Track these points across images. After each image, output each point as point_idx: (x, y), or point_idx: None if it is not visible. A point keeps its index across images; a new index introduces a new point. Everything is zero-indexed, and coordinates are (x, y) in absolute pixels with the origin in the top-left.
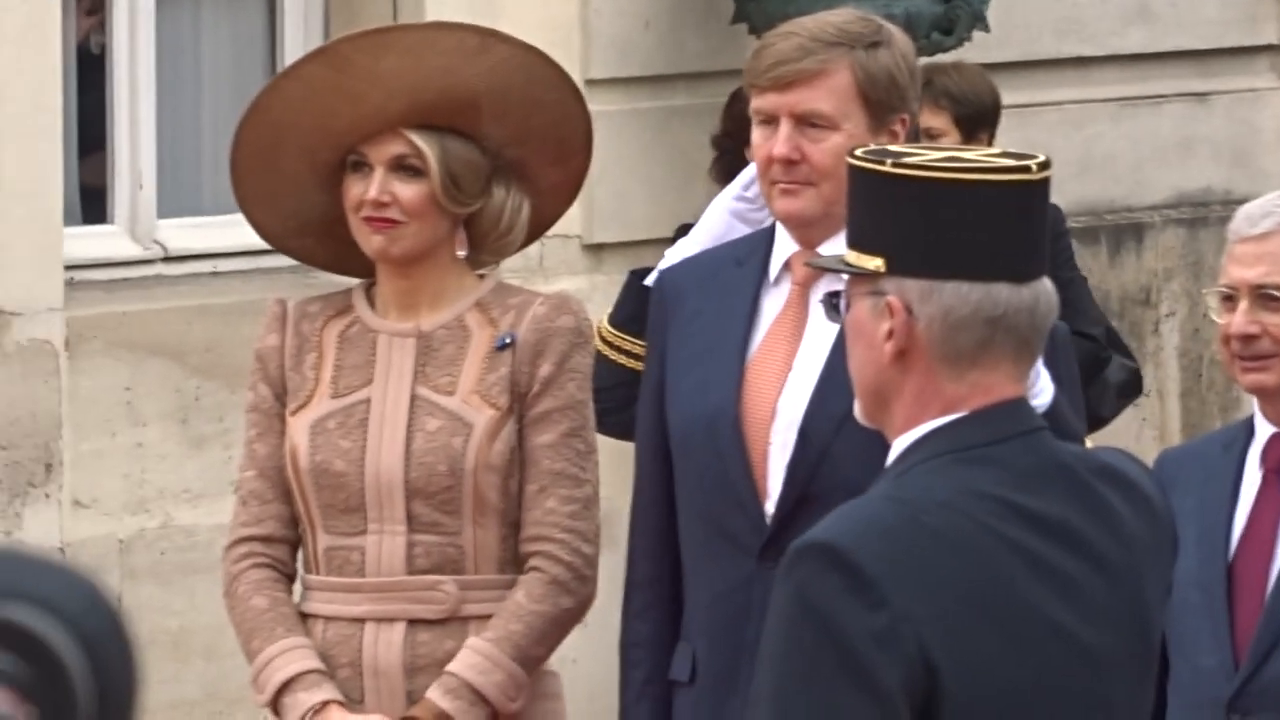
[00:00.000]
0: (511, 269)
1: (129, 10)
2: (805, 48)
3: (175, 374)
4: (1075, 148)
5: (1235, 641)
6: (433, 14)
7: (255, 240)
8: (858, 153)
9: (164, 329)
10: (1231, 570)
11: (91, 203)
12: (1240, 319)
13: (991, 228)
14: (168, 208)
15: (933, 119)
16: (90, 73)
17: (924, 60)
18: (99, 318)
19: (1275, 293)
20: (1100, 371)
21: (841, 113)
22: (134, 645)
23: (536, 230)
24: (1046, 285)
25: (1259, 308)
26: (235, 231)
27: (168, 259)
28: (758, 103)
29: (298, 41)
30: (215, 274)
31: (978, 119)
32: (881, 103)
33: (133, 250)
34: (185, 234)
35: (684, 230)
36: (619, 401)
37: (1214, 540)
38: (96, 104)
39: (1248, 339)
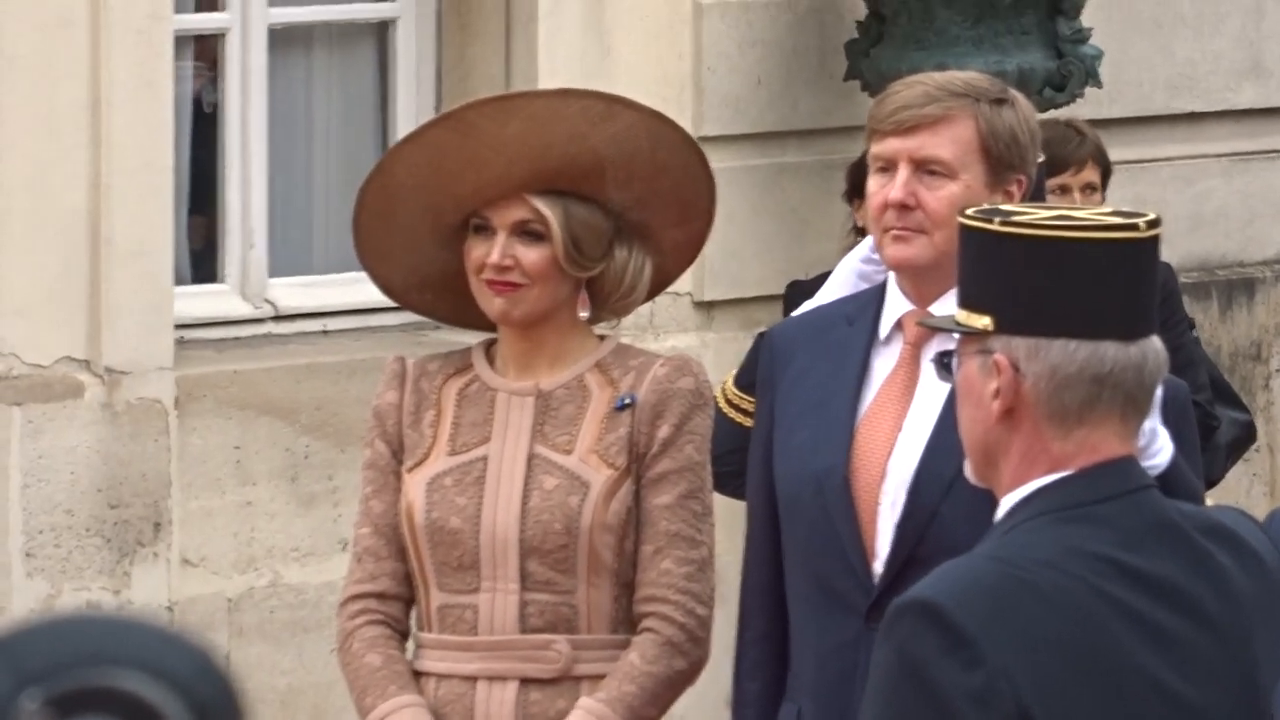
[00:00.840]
0: (621, 326)
1: (241, 69)
2: (931, 95)
3: (285, 433)
4: (1187, 203)
5: None
6: (545, 74)
7: (365, 299)
8: (967, 212)
9: (273, 388)
10: None
11: (202, 261)
12: None
13: (1099, 286)
14: (278, 267)
15: (1093, 174)
16: (202, 131)
17: (1050, 114)
18: (209, 376)
19: None
20: (1209, 437)
21: (961, 162)
22: (246, 712)
23: (657, 288)
24: (1155, 343)
25: None
26: (345, 290)
27: (278, 318)
28: (877, 149)
29: (409, 101)
30: (325, 333)
31: (1109, 174)
32: (1001, 159)
33: (243, 309)
34: (295, 293)
35: (795, 287)
36: (743, 464)
37: None
38: (208, 162)
39: None
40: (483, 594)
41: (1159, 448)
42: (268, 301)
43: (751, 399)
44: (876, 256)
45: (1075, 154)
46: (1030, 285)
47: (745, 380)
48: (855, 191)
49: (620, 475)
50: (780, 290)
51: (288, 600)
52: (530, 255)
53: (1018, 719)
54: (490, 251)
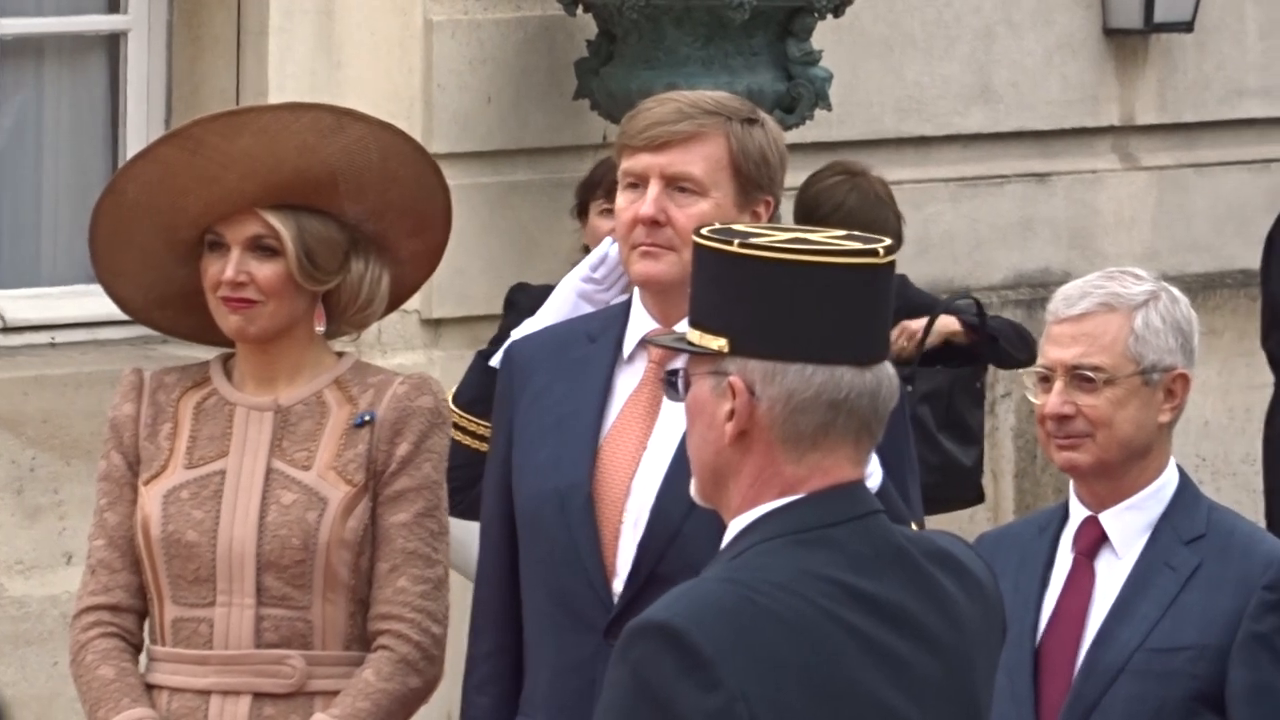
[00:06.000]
0: (345, 342)
1: None
2: (683, 112)
3: (11, 445)
4: (915, 227)
5: None
6: (275, 88)
7: (94, 312)
8: (704, 231)
9: (0, 400)
10: (1039, 653)
11: None
12: (1055, 399)
13: (836, 310)
14: (6, 278)
15: None
16: None
17: None
18: None
19: (1090, 373)
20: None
21: (712, 180)
22: None
23: (398, 300)
24: (889, 369)
25: (1074, 388)
26: (74, 303)
27: (5, 329)
28: (628, 165)
29: (140, 113)
30: (53, 345)
31: None
32: (751, 178)
33: None
34: (23, 305)
35: (520, 289)
36: (463, 482)
37: (1022, 623)
38: None
39: (1062, 419)
40: (218, 608)
41: (870, 471)
42: None
43: (471, 417)
44: (597, 275)
45: None
46: (767, 308)
47: (465, 398)
48: (584, 209)
49: (358, 492)
50: None
51: (10, 613)
52: (264, 271)
53: None
54: (225, 269)
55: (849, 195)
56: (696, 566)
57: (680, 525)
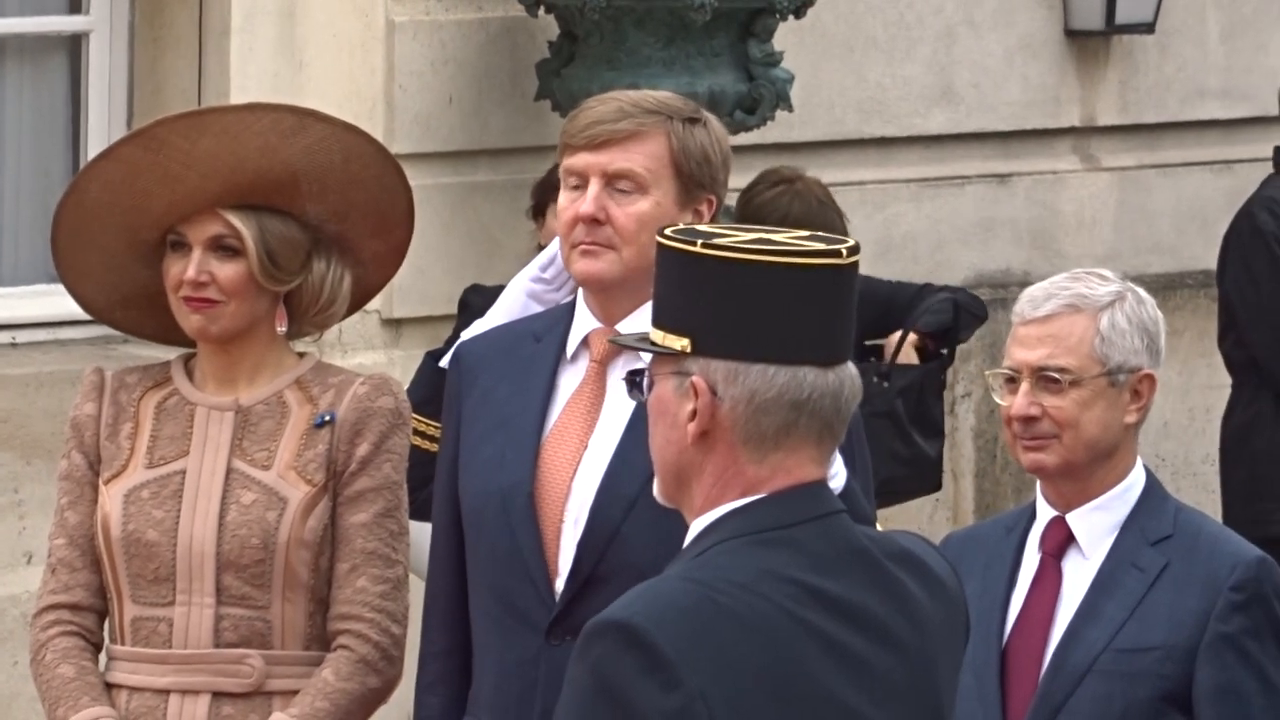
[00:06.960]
0: (307, 342)
1: None
2: (624, 111)
3: None
4: (876, 228)
5: None
6: (237, 89)
7: (55, 312)
8: (667, 231)
9: None
10: (1006, 654)
11: None
12: (1021, 400)
13: (799, 311)
14: None
15: None
16: None
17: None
18: None
19: (1055, 375)
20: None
21: (653, 178)
22: None
23: (361, 300)
24: (851, 370)
25: (1040, 389)
26: (35, 303)
27: None
28: (570, 163)
29: (101, 114)
30: (13, 345)
31: None
32: (692, 177)
33: None
34: None
35: (474, 291)
36: (415, 482)
37: (989, 624)
38: None
39: (1028, 420)
40: (178, 607)
41: (835, 471)
42: None
43: (422, 418)
44: (547, 275)
45: None
46: (730, 309)
47: (415, 399)
48: (540, 210)
49: (318, 492)
50: None
51: None
52: (226, 271)
53: None
54: (186, 268)
55: (792, 204)
56: (636, 566)
57: (619, 525)
